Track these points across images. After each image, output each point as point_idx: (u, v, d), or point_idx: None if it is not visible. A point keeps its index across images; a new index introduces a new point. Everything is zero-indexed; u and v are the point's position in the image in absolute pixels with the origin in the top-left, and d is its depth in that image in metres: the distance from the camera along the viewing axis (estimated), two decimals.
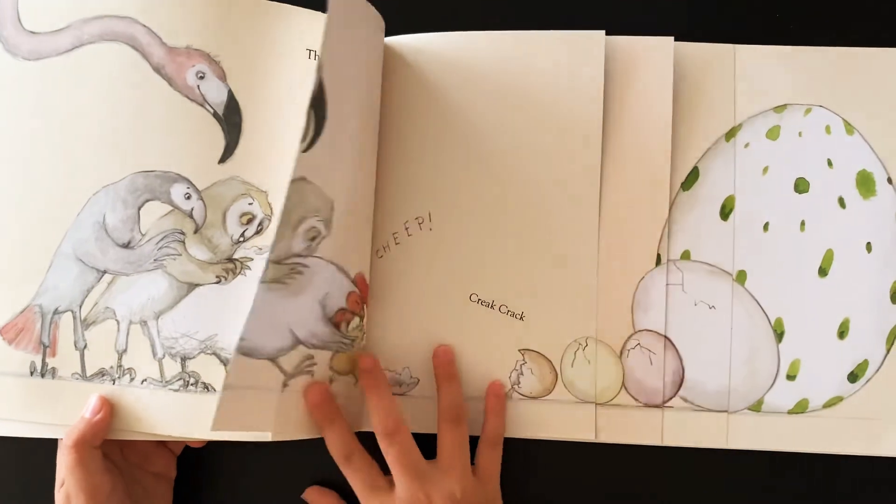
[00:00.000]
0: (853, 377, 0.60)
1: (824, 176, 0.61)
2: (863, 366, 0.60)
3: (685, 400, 0.61)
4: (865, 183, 0.61)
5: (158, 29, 0.56)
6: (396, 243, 0.61)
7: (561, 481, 0.62)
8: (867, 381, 0.60)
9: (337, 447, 0.55)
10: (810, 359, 0.60)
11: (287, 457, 0.62)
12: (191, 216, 0.55)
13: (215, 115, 0.55)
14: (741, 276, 0.61)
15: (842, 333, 0.60)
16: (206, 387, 0.53)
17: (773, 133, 0.62)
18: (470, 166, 0.61)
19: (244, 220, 0.55)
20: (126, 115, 0.56)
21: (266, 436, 0.55)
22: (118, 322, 0.55)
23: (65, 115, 0.56)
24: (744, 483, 0.61)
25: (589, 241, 0.61)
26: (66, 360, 0.56)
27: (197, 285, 0.55)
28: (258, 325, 0.51)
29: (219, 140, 0.55)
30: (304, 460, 0.61)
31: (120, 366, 0.55)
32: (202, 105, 0.55)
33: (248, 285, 0.56)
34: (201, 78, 0.55)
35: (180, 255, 0.55)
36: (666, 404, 0.61)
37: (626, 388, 0.61)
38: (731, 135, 0.62)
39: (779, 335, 0.60)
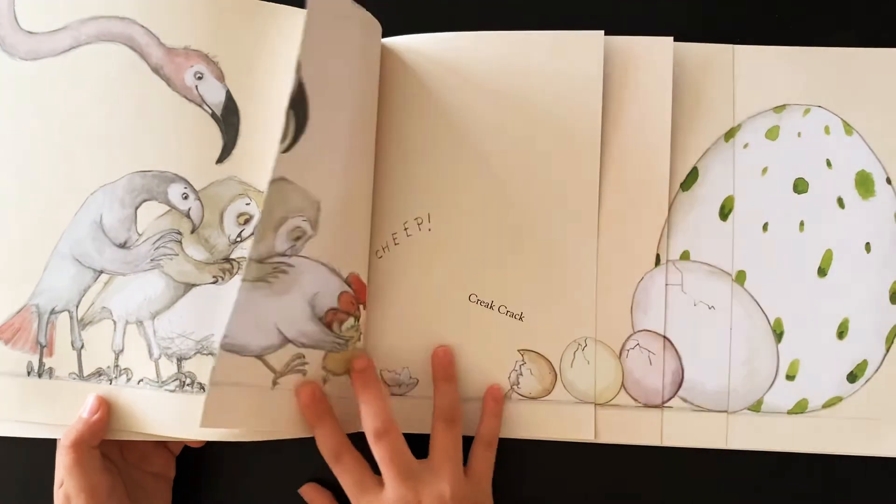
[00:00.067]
0: (852, 377, 0.60)
1: (823, 176, 0.61)
2: (862, 366, 0.60)
3: (684, 400, 0.60)
4: (864, 183, 0.61)
5: (157, 29, 0.56)
6: (396, 244, 0.61)
7: (560, 482, 0.62)
8: (866, 382, 0.60)
9: (327, 446, 0.55)
10: (810, 359, 0.60)
11: (286, 456, 0.62)
12: (188, 216, 0.55)
13: (213, 115, 0.55)
14: (740, 277, 0.61)
15: (841, 333, 0.60)
16: (202, 387, 0.53)
17: (772, 133, 0.62)
18: (469, 167, 0.61)
19: (241, 220, 0.55)
20: (124, 116, 0.56)
21: (257, 434, 0.55)
22: (115, 322, 0.55)
23: (62, 116, 0.56)
24: (743, 483, 0.61)
25: (588, 242, 0.61)
26: (63, 359, 0.56)
27: (193, 285, 0.55)
28: (242, 322, 0.52)
29: (216, 140, 0.55)
30: (304, 460, 0.61)
31: (116, 366, 0.55)
32: (200, 105, 0.55)
33: None
34: (199, 78, 0.55)
35: (177, 255, 0.55)
36: (665, 404, 0.61)
37: (625, 389, 0.61)
38: (730, 135, 0.62)
39: (778, 335, 0.60)
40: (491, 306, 0.61)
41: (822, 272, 0.60)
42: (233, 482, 0.63)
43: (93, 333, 0.55)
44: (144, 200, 0.55)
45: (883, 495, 0.61)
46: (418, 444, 0.57)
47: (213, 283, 0.55)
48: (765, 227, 0.61)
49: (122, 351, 0.55)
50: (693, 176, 0.62)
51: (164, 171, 0.55)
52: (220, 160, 0.55)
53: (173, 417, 0.54)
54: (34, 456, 0.61)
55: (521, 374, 0.61)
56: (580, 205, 0.61)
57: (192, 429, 0.53)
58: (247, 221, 0.55)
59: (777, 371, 0.60)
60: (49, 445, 0.56)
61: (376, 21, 0.59)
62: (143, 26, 0.56)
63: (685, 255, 0.61)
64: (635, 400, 0.61)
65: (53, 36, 0.56)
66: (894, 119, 0.61)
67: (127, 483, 0.57)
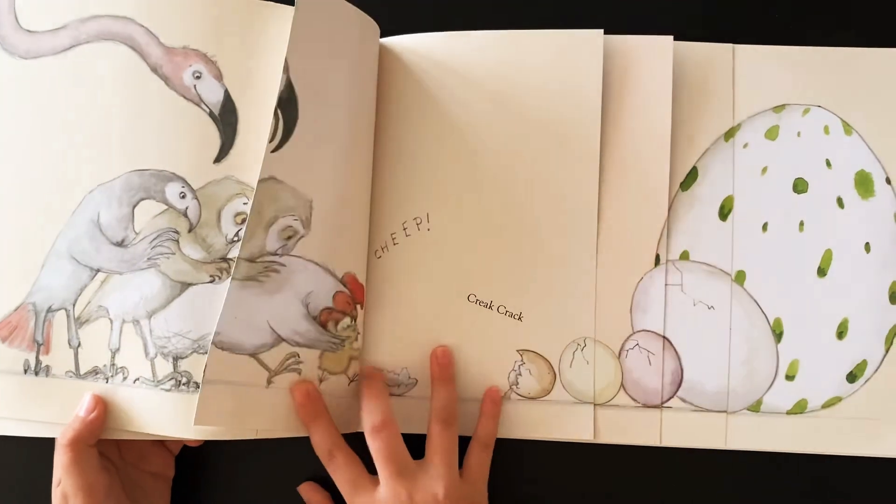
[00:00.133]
0: (852, 377, 0.60)
1: (823, 176, 0.61)
2: (861, 366, 0.60)
3: (684, 400, 0.60)
4: (864, 183, 0.61)
5: (156, 29, 0.56)
6: (395, 244, 0.61)
7: (560, 482, 0.62)
8: (866, 382, 0.60)
9: (320, 445, 0.55)
10: (809, 359, 0.60)
11: (285, 456, 0.62)
12: (185, 215, 0.55)
13: (211, 114, 0.55)
14: (740, 277, 0.61)
15: (840, 334, 0.60)
16: (198, 386, 0.53)
17: (771, 133, 0.61)
18: (468, 166, 0.61)
19: (239, 219, 0.55)
20: (122, 115, 0.56)
21: (252, 433, 0.55)
22: (111, 321, 0.55)
23: (61, 114, 0.56)
24: (742, 484, 0.61)
25: (587, 241, 0.60)
26: (59, 358, 0.56)
27: (190, 284, 0.55)
28: (233, 321, 0.53)
29: (214, 140, 0.55)
30: (302, 459, 0.61)
31: (113, 364, 0.55)
32: (198, 105, 0.55)
33: None
34: (198, 78, 0.55)
35: (174, 254, 0.55)
36: (664, 405, 0.60)
37: (624, 389, 0.61)
38: (729, 135, 0.62)
39: (778, 335, 0.60)
40: (490, 306, 0.61)
41: (821, 272, 0.60)
42: (232, 481, 0.63)
43: (89, 332, 0.55)
44: (142, 199, 0.55)
45: (882, 496, 0.60)
46: (416, 445, 0.57)
47: (210, 282, 0.55)
48: (764, 226, 0.61)
49: (118, 350, 0.55)
50: (693, 176, 0.61)
51: (161, 170, 0.55)
52: (218, 160, 0.55)
53: (169, 416, 0.54)
54: (31, 455, 0.61)
55: (520, 375, 0.61)
56: (579, 204, 0.61)
57: (187, 428, 0.53)
58: (244, 221, 0.55)
59: (776, 371, 0.60)
60: (47, 444, 0.56)
61: (372, 21, 0.60)
62: (142, 26, 0.56)
63: (685, 255, 0.61)
64: (634, 400, 0.60)
65: (53, 35, 0.56)
66: (894, 119, 0.61)
67: (125, 482, 0.57)
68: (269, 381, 0.54)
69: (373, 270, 0.61)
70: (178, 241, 0.55)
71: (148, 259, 0.55)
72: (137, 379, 0.55)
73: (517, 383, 0.61)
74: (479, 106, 0.61)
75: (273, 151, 0.53)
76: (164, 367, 0.54)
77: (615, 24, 0.61)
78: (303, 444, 0.56)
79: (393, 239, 0.61)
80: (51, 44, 0.57)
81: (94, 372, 0.55)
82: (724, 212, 0.61)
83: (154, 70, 0.56)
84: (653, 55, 0.61)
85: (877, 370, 0.60)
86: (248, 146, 0.55)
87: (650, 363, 0.60)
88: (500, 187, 0.61)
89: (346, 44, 0.57)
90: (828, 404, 0.60)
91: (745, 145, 0.62)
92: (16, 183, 0.56)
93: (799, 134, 0.61)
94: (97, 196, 0.55)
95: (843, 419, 0.59)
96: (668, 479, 0.61)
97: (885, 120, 0.61)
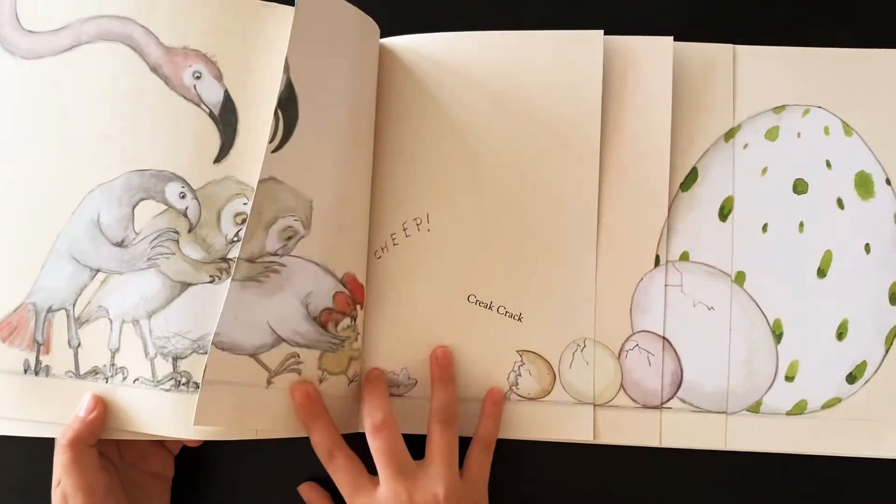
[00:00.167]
0: (852, 378, 0.60)
1: (823, 177, 0.61)
2: (861, 367, 0.60)
3: (683, 401, 0.60)
4: (864, 184, 0.61)
5: (156, 29, 0.56)
6: (395, 244, 0.61)
7: (559, 482, 0.62)
8: (866, 383, 0.60)
9: (320, 445, 0.56)
10: (809, 360, 0.60)
11: (285, 456, 0.62)
12: (185, 215, 0.55)
13: (211, 114, 0.55)
14: (740, 277, 0.61)
15: (840, 334, 0.60)
16: (198, 386, 0.53)
17: (771, 134, 0.61)
18: (468, 167, 0.61)
19: (238, 219, 0.55)
20: (122, 115, 0.56)
21: (251, 433, 0.55)
22: (111, 321, 0.55)
23: (62, 114, 0.56)
24: (742, 484, 0.61)
25: (587, 242, 0.60)
26: (59, 358, 0.56)
27: (190, 285, 0.55)
28: (233, 321, 0.53)
29: (214, 140, 0.55)
30: (302, 459, 0.61)
31: (112, 364, 0.55)
32: (198, 105, 0.55)
33: None
34: (198, 78, 0.55)
35: (174, 254, 0.55)
36: (664, 405, 0.60)
37: (624, 390, 0.61)
38: (730, 135, 0.62)
39: (777, 336, 0.60)
40: (490, 307, 0.61)
41: (821, 273, 0.60)
42: (232, 481, 0.63)
43: (89, 332, 0.55)
44: (142, 199, 0.55)
45: (882, 497, 0.60)
46: (416, 445, 0.57)
47: (210, 282, 0.55)
48: (764, 227, 0.61)
49: (118, 350, 0.55)
50: (693, 176, 0.61)
51: (161, 171, 0.55)
52: (218, 160, 0.55)
53: (168, 417, 0.54)
54: (31, 455, 0.61)
55: (520, 375, 0.61)
56: (579, 205, 0.61)
57: (187, 428, 0.53)
58: (244, 221, 0.55)
59: (776, 372, 0.60)
60: (46, 444, 0.56)
61: (372, 21, 0.60)
62: (142, 26, 0.56)
63: (685, 256, 0.61)
64: (634, 401, 0.60)
65: (54, 35, 0.56)
66: (894, 120, 0.61)
67: (125, 482, 0.57)
68: (268, 382, 0.55)
69: (373, 271, 0.61)
70: (178, 241, 0.55)
71: (148, 259, 0.55)
72: (137, 379, 0.55)
73: (517, 384, 0.61)
74: (479, 106, 0.61)
75: (273, 152, 0.53)
76: (164, 368, 0.54)
77: (615, 25, 0.61)
78: (303, 444, 0.56)
79: (393, 239, 0.61)
80: (52, 44, 0.57)
81: (94, 372, 0.55)
82: (724, 212, 0.61)
83: (154, 70, 0.56)
84: (653, 55, 0.61)
85: (876, 371, 0.60)
86: (248, 146, 0.55)
87: (650, 364, 0.60)
88: (500, 188, 0.61)
89: (346, 44, 0.57)
90: (827, 405, 0.60)
91: (746, 146, 0.62)
92: (16, 183, 0.56)
93: (799, 135, 0.61)
94: (97, 196, 0.55)
95: (843, 420, 0.59)
96: (667, 480, 0.61)
97: (885, 121, 0.61)
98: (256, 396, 0.54)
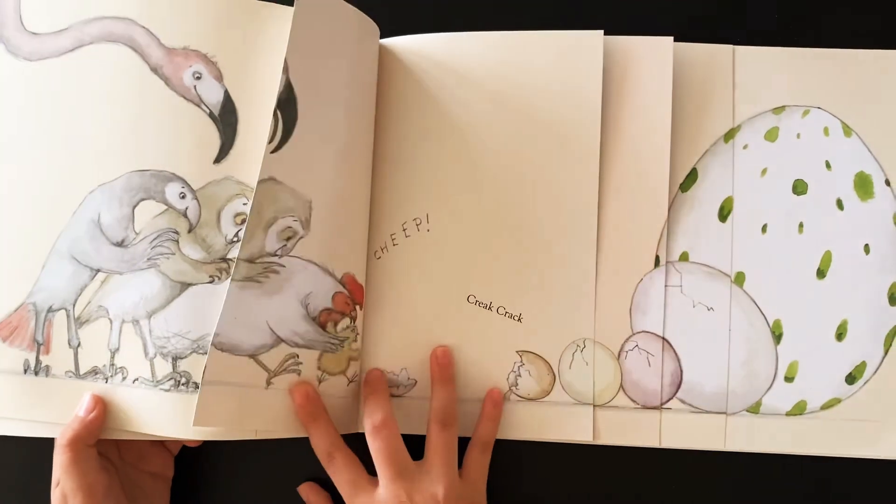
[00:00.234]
0: (851, 379, 0.60)
1: (822, 178, 0.61)
2: (861, 367, 0.60)
3: (683, 402, 0.60)
4: (863, 185, 0.61)
5: (156, 30, 0.56)
6: (394, 244, 0.61)
7: (559, 483, 0.62)
8: (865, 383, 0.60)
9: (320, 446, 0.56)
10: (808, 360, 0.60)
11: (285, 456, 0.62)
12: (185, 215, 0.55)
13: (211, 115, 0.55)
14: (739, 278, 0.61)
15: (840, 335, 0.60)
16: (198, 386, 0.53)
17: (771, 134, 0.61)
18: (468, 167, 0.61)
19: (238, 220, 0.55)
20: (123, 115, 0.56)
21: (251, 433, 0.55)
22: (111, 321, 0.55)
23: (63, 115, 0.56)
24: (742, 485, 0.61)
25: (587, 243, 0.60)
26: (59, 358, 0.56)
27: (190, 285, 0.55)
28: (232, 322, 0.53)
29: (214, 140, 0.55)
30: (302, 459, 0.61)
31: (112, 364, 0.55)
32: (198, 105, 0.55)
33: None
34: (198, 78, 0.56)
35: (174, 254, 0.55)
36: (664, 406, 0.60)
37: (623, 390, 0.61)
38: (729, 136, 0.62)
39: (777, 337, 0.60)
40: (489, 307, 0.61)
41: (821, 274, 0.60)
42: (232, 481, 0.63)
43: (89, 332, 0.56)
44: (142, 199, 0.55)
45: (881, 497, 0.60)
46: (415, 445, 0.57)
47: (210, 282, 0.55)
48: (764, 228, 0.61)
49: (117, 350, 0.55)
50: (692, 177, 0.61)
51: (161, 171, 0.55)
52: (218, 160, 0.55)
53: (168, 417, 0.54)
54: (31, 455, 0.61)
55: (520, 376, 0.61)
56: (579, 205, 0.61)
57: (186, 428, 0.53)
58: (244, 221, 0.55)
59: (776, 372, 0.60)
60: (46, 444, 0.56)
61: (372, 21, 0.60)
62: (143, 27, 0.56)
63: (684, 257, 0.61)
64: (634, 401, 0.60)
65: (57, 37, 0.57)
66: (894, 121, 0.61)
67: (125, 483, 0.57)
68: (268, 382, 0.55)
69: (372, 271, 0.61)
70: (177, 241, 0.55)
71: (148, 259, 0.55)
72: (137, 379, 0.55)
73: (516, 384, 0.61)
74: (480, 106, 0.61)
75: (272, 152, 0.54)
76: (164, 368, 0.54)
77: (615, 25, 0.61)
78: (303, 444, 0.56)
79: (392, 240, 0.61)
80: (54, 45, 0.57)
81: (94, 372, 0.55)
82: (724, 213, 0.61)
83: (154, 71, 0.56)
84: (653, 56, 0.61)
85: (876, 371, 0.60)
86: (247, 147, 0.55)
87: (650, 364, 0.60)
88: (500, 188, 0.61)
89: (345, 44, 0.58)
90: (827, 406, 0.60)
91: (745, 147, 0.62)
92: (18, 183, 0.56)
93: (798, 135, 0.61)
94: (98, 196, 0.55)
95: (843, 420, 0.59)
96: (667, 481, 0.61)
97: (884, 121, 0.61)
98: (256, 397, 0.54)
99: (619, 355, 0.61)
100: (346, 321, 0.58)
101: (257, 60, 0.56)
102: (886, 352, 0.60)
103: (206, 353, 0.53)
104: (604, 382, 0.61)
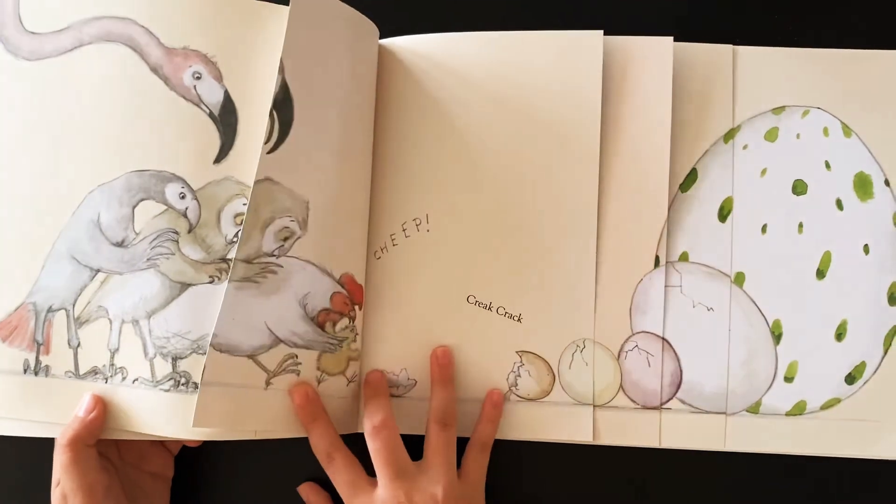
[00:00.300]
0: (851, 379, 0.60)
1: (822, 178, 0.61)
2: (860, 368, 0.60)
3: (683, 402, 0.60)
4: (863, 185, 0.61)
5: (156, 30, 0.56)
6: (394, 245, 0.61)
7: (559, 483, 0.62)
8: (865, 383, 0.60)
9: (319, 446, 0.56)
10: (808, 361, 0.60)
11: (285, 456, 0.62)
12: (185, 216, 0.55)
13: (211, 115, 0.55)
14: (739, 278, 0.61)
15: (839, 335, 0.60)
16: (197, 387, 0.53)
17: (771, 135, 0.61)
18: (467, 167, 0.61)
19: (238, 220, 0.55)
20: (123, 115, 0.56)
21: (250, 433, 0.55)
22: (111, 321, 0.55)
23: (63, 115, 0.56)
24: (742, 485, 0.61)
25: (587, 243, 0.60)
26: (59, 358, 0.56)
27: (190, 285, 0.55)
28: (231, 322, 0.53)
29: (214, 140, 0.55)
30: (302, 460, 0.61)
31: (112, 364, 0.55)
32: (198, 105, 0.55)
33: None
34: (198, 78, 0.56)
35: (174, 254, 0.55)
36: (664, 406, 0.60)
37: (623, 390, 0.61)
38: (729, 136, 0.62)
39: (777, 337, 0.60)
40: (489, 307, 0.61)
41: (820, 274, 0.60)
42: (232, 481, 0.63)
43: (89, 332, 0.56)
44: (142, 200, 0.55)
45: (881, 497, 0.60)
46: (415, 445, 0.57)
47: (210, 282, 0.55)
48: (763, 228, 0.61)
49: (117, 350, 0.55)
50: (692, 177, 0.61)
51: (161, 171, 0.55)
52: (218, 160, 0.55)
53: (167, 417, 0.54)
54: (31, 455, 0.61)
55: (520, 376, 0.61)
56: (579, 206, 0.60)
57: (186, 428, 0.53)
58: (243, 222, 0.55)
59: (776, 373, 0.60)
60: (46, 444, 0.56)
61: (370, 22, 0.60)
62: (143, 26, 0.56)
63: (684, 257, 0.61)
64: (634, 401, 0.60)
65: (56, 36, 0.57)
66: (893, 121, 0.61)
67: (125, 483, 0.57)
68: (267, 383, 0.55)
69: (372, 271, 0.61)
70: (177, 241, 0.55)
71: (148, 259, 0.55)
72: (136, 379, 0.55)
73: (516, 384, 0.61)
74: (479, 107, 0.61)
75: (269, 152, 0.54)
76: (163, 368, 0.54)
77: (615, 25, 0.61)
78: (302, 444, 0.56)
79: (392, 240, 0.61)
80: (54, 45, 0.57)
81: (94, 372, 0.55)
82: (724, 213, 0.61)
83: (154, 71, 0.56)
84: (653, 56, 0.61)
85: (875, 372, 0.60)
86: (247, 147, 0.55)
87: (649, 364, 0.60)
88: (499, 188, 0.61)
89: (341, 44, 0.58)
90: (826, 406, 0.60)
91: (745, 147, 0.62)
92: (17, 183, 0.56)
93: (798, 136, 0.61)
94: (97, 196, 0.55)
95: (842, 421, 0.59)
96: (667, 481, 0.61)
97: (884, 122, 0.61)
98: (255, 398, 0.54)
99: (618, 355, 0.61)
100: (344, 321, 0.58)
101: (257, 60, 0.56)
102: (886, 352, 0.60)
103: (205, 354, 0.53)
104: (603, 383, 0.61)
